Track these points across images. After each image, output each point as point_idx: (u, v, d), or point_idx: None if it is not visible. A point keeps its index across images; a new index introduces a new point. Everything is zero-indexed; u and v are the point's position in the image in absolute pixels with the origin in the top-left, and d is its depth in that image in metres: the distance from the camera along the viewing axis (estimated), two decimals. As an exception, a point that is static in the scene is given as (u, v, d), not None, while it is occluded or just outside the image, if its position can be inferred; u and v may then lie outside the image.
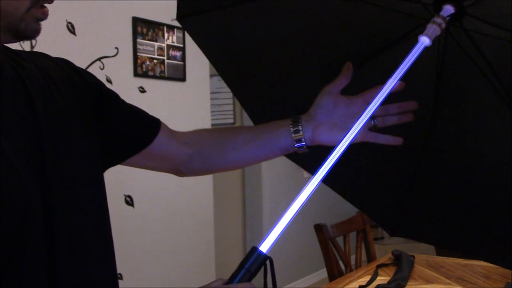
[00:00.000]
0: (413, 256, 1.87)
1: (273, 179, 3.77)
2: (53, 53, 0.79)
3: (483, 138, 0.89)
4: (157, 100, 2.45)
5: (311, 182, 0.69)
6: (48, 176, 0.63)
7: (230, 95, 3.86)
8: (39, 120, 0.64)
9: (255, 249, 0.64)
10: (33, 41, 1.91)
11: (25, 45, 1.88)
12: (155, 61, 2.44)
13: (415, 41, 0.74)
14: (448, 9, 0.73)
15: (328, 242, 1.98)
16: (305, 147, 0.86)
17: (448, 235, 1.01)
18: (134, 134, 0.86)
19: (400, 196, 0.99)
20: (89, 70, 1.49)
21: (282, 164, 3.80)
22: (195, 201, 2.68)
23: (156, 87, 2.46)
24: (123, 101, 0.86)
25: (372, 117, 0.84)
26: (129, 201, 2.33)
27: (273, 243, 0.65)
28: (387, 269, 1.78)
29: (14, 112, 0.62)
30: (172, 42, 2.52)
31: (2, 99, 0.61)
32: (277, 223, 0.66)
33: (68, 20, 2.08)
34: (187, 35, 2.57)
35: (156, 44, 2.44)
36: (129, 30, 2.33)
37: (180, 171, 0.95)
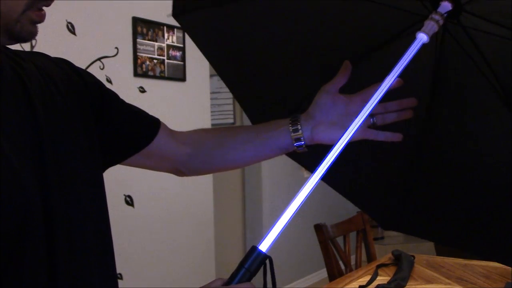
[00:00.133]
0: (413, 256, 1.87)
1: (273, 179, 3.77)
2: (53, 53, 0.79)
3: (482, 137, 0.89)
4: (157, 100, 2.45)
5: (310, 181, 0.69)
6: (48, 176, 0.63)
7: (230, 95, 3.86)
8: (39, 120, 0.64)
9: (254, 248, 0.64)
10: (33, 41, 1.91)
11: (25, 45, 1.88)
12: (155, 61, 2.44)
13: (412, 38, 0.74)
14: (446, 6, 0.73)
15: (328, 242, 1.98)
16: (304, 146, 0.86)
17: (447, 232, 1.01)
18: (134, 134, 0.86)
19: (400, 194, 0.99)
20: (89, 70, 1.49)
21: (282, 164, 3.80)
22: (195, 201, 2.68)
23: (156, 87, 2.46)
24: (122, 101, 0.86)
25: (372, 115, 0.84)
26: (129, 201, 2.33)
27: (272, 242, 0.65)
28: (387, 269, 1.78)
29: (14, 112, 0.62)
30: (172, 42, 2.52)
31: (1, 99, 0.61)
32: (276, 222, 0.66)
33: (68, 20, 2.08)
34: (187, 35, 2.56)
35: (156, 44, 2.44)
36: (129, 30, 2.33)
37: (179, 171, 0.95)
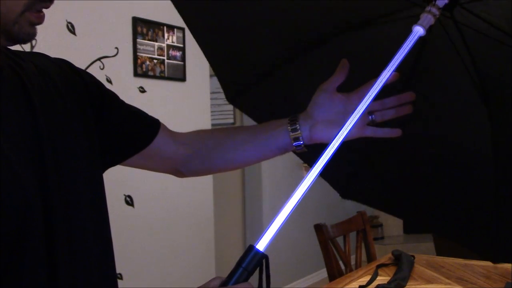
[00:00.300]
0: (413, 256, 1.87)
1: (273, 179, 3.77)
2: (53, 53, 0.79)
3: (459, 130, 0.91)
4: (157, 100, 2.45)
5: (305, 179, 0.68)
6: (48, 177, 0.63)
7: (230, 95, 3.87)
8: (38, 121, 0.64)
9: (252, 247, 0.64)
10: (33, 41, 1.91)
11: (25, 45, 1.88)
12: (155, 61, 2.44)
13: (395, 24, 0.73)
14: None
15: (328, 242, 1.98)
16: (303, 145, 0.86)
17: (430, 221, 1.04)
18: (134, 135, 0.86)
19: (386, 180, 1.02)
20: (89, 70, 1.49)
21: (282, 164, 3.80)
22: (195, 201, 2.68)
23: (156, 87, 2.46)
24: (122, 102, 0.86)
25: (370, 112, 0.84)
26: (129, 201, 2.33)
27: (270, 240, 0.65)
28: (387, 269, 1.78)
29: (13, 113, 0.62)
30: (172, 42, 2.52)
31: (1, 100, 0.61)
32: (273, 221, 0.66)
33: (68, 20, 2.08)
34: (187, 35, 2.57)
35: (156, 44, 2.44)
36: (129, 30, 2.33)
37: (179, 172, 0.95)
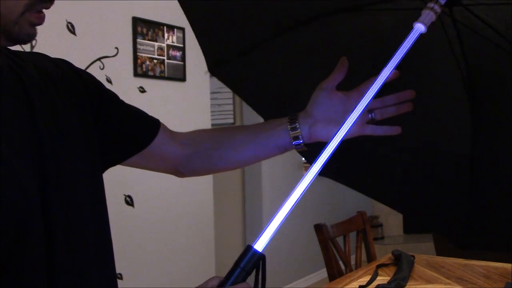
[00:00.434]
0: (413, 256, 1.87)
1: (273, 179, 3.77)
2: (53, 53, 0.79)
3: (441, 122, 0.92)
4: (157, 100, 2.45)
5: (304, 178, 0.67)
6: (47, 177, 0.63)
7: (230, 95, 3.87)
8: (38, 121, 0.64)
9: (249, 247, 0.64)
10: (33, 41, 1.91)
11: (25, 45, 1.88)
12: (155, 61, 2.44)
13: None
14: None
15: (328, 242, 1.98)
16: (302, 144, 0.85)
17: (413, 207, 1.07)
18: (134, 135, 0.86)
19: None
20: (89, 70, 1.49)
21: (282, 164, 3.80)
22: (195, 201, 2.68)
23: (156, 87, 2.46)
24: (122, 102, 0.86)
25: (370, 110, 0.84)
26: (129, 201, 2.33)
27: (268, 241, 0.65)
28: (387, 269, 1.78)
29: (13, 113, 0.62)
30: (172, 42, 2.52)
31: (1, 100, 0.61)
32: (271, 221, 0.66)
33: (68, 20, 2.08)
34: (187, 35, 2.57)
35: (156, 44, 2.44)
36: (129, 30, 2.33)
37: (179, 172, 0.95)
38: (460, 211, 0.94)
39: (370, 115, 0.84)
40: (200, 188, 2.71)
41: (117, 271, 0.78)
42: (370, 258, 2.15)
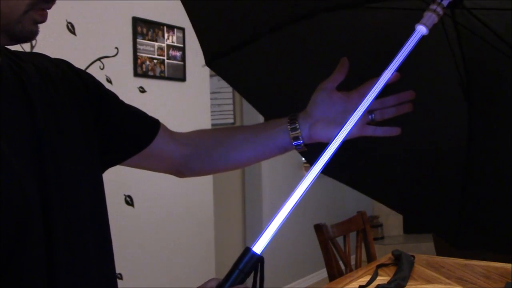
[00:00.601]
0: (413, 256, 1.87)
1: (273, 179, 3.77)
2: (53, 53, 0.79)
3: (438, 122, 0.93)
4: (157, 100, 2.45)
5: (304, 180, 0.67)
6: (47, 177, 0.63)
7: (230, 95, 3.87)
8: (38, 121, 0.64)
9: (248, 249, 0.64)
10: (33, 41, 1.91)
11: (25, 45, 1.88)
12: (155, 61, 2.44)
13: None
14: None
15: (328, 242, 1.98)
16: (302, 145, 0.85)
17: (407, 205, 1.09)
18: (133, 135, 0.86)
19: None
20: (89, 70, 1.49)
21: (282, 164, 3.80)
22: (195, 201, 2.68)
23: (156, 87, 2.46)
24: (122, 102, 0.86)
25: (370, 112, 0.84)
26: (129, 201, 2.33)
27: (268, 243, 0.64)
28: (387, 269, 1.78)
29: (13, 113, 0.62)
30: (172, 42, 2.52)
31: (1, 100, 0.61)
32: (270, 223, 0.66)
33: (68, 20, 2.08)
34: (187, 35, 2.57)
35: (156, 44, 2.44)
36: (129, 30, 2.33)
37: (179, 172, 0.95)
38: (457, 211, 0.95)
39: (370, 116, 0.84)
40: (200, 188, 2.71)
41: (117, 271, 0.78)
42: (370, 258, 2.15)
